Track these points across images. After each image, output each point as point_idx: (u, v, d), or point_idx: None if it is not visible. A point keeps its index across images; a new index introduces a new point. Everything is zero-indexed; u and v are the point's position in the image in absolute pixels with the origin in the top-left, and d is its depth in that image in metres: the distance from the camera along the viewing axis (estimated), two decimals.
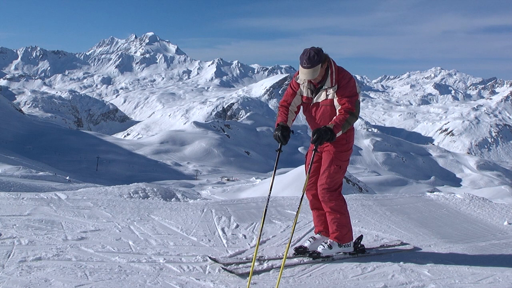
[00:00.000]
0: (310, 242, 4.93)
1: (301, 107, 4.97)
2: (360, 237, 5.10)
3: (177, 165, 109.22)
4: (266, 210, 4.54)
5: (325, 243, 4.85)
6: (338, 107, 4.66)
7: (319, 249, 4.81)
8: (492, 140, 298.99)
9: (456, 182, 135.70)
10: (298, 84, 4.85)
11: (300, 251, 4.87)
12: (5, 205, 5.83)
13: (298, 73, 4.79)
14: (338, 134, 4.51)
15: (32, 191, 15.08)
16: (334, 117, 4.61)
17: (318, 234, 5.05)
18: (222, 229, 5.65)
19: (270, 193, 4.69)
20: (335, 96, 4.67)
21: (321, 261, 4.68)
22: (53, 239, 4.74)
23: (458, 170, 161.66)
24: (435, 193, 9.98)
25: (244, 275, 4.12)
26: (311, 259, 4.75)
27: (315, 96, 4.77)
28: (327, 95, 4.70)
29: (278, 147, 4.66)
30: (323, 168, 4.84)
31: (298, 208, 4.54)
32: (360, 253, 5.03)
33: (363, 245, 5.10)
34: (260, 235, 4.38)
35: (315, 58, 4.51)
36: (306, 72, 4.55)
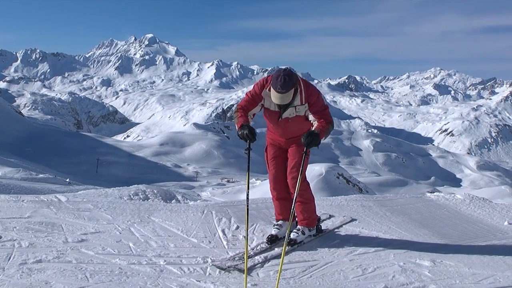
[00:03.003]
0: (278, 229, 5.30)
1: (263, 113, 5.19)
2: (319, 219, 5.63)
3: (177, 167, 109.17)
4: (248, 210, 4.80)
5: (298, 230, 5.25)
6: (314, 120, 4.91)
7: (293, 236, 5.14)
8: (492, 140, 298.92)
9: (456, 182, 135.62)
10: (261, 95, 4.96)
11: (272, 240, 5.16)
12: (5, 208, 5.83)
13: (263, 83, 4.95)
14: (322, 140, 4.77)
15: (32, 193, 15.08)
16: (316, 124, 4.87)
17: (281, 221, 5.41)
18: (223, 231, 5.65)
19: (248, 192, 4.99)
20: (309, 112, 4.90)
21: (322, 263, 4.69)
22: (53, 241, 4.74)
23: (458, 170, 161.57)
24: (435, 193, 9.98)
25: (245, 272, 4.11)
26: (289, 246, 5.00)
27: (283, 111, 4.93)
28: (296, 112, 4.90)
29: (247, 147, 4.87)
30: (293, 161, 5.10)
31: (292, 208, 4.75)
32: (319, 233, 5.56)
33: (320, 226, 5.68)
34: (247, 237, 4.40)
35: (289, 83, 4.61)
36: (280, 97, 4.66)
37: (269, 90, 4.83)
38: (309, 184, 5.27)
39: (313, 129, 4.86)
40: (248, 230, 5.73)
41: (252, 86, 5.09)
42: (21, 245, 4.53)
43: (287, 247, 4.98)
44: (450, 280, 4.35)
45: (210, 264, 4.42)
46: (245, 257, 4.25)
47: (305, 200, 5.21)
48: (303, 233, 5.24)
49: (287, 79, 4.58)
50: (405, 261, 4.78)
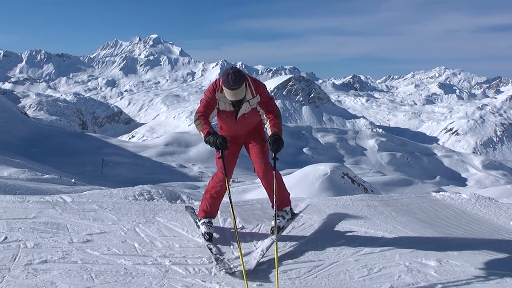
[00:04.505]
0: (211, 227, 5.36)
1: (218, 116, 5.28)
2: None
3: (182, 167, 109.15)
4: (233, 213, 4.88)
5: (278, 216, 5.40)
6: (262, 113, 5.14)
7: (280, 223, 5.41)
8: (497, 139, 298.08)
9: (461, 181, 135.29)
10: (215, 98, 5.05)
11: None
12: (11, 208, 5.83)
13: (214, 87, 5.04)
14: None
15: (38, 194, 15.10)
16: (270, 124, 5.07)
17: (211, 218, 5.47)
18: (228, 231, 5.65)
19: (230, 197, 4.98)
20: (257, 104, 5.10)
21: (328, 263, 4.68)
22: (58, 242, 4.75)
23: (463, 169, 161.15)
24: (440, 193, 9.94)
25: (243, 273, 4.11)
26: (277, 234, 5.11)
27: (238, 109, 5.07)
28: (250, 105, 5.07)
29: (220, 155, 4.95)
30: (258, 151, 5.26)
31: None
32: (295, 216, 5.81)
33: (292, 209, 5.82)
34: (237, 239, 4.39)
35: (240, 78, 4.75)
36: (235, 93, 4.79)
37: (221, 91, 4.96)
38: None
39: (269, 131, 5.05)
40: (253, 230, 5.76)
41: (204, 94, 5.18)
42: (26, 245, 4.53)
43: (275, 235, 5.06)
44: (456, 280, 4.34)
45: (216, 266, 4.42)
46: (240, 259, 4.25)
47: (279, 182, 5.31)
48: (283, 217, 5.48)
49: (237, 75, 4.73)
50: (411, 261, 4.77)
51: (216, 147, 4.82)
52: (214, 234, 5.32)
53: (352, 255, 4.95)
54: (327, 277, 4.31)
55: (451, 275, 4.45)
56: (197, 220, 5.55)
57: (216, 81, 5.07)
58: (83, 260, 4.28)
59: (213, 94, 5.03)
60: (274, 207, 4.97)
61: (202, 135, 4.94)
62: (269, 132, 5.09)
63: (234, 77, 4.71)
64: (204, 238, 5.14)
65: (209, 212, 5.44)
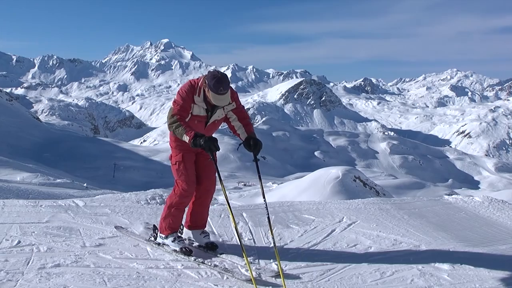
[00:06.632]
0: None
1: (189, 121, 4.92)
2: None
3: None
4: (233, 217, 4.59)
5: (206, 233, 5.13)
6: (234, 119, 4.95)
7: (212, 239, 5.16)
8: (510, 141, 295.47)
9: (474, 184, 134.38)
10: (191, 103, 4.72)
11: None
12: (24, 213, 5.87)
13: (192, 90, 4.72)
14: None
15: (50, 198, 15.19)
16: (246, 128, 4.90)
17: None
18: (240, 235, 5.64)
19: (228, 201, 4.70)
20: (231, 112, 4.92)
21: (340, 266, 4.66)
22: (71, 245, 4.77)
23: (476, 172, 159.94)
24: (453, 196, 9.87)
25: (251, 276, 4.11)
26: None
27: (211, 115, 4.82)
28: (225, 111, 4.87)
29: (210, 158, 4.60)
30: (211, 167, 4.91)
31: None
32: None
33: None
34: (241, 242, 4.37)
35: (228, 82, 4.58)
36: (223, 98, 4.58)
37: (199, 95, 4.69)
38: None
39: (245, 133, 4.88)
40: (265, 234, 5.74)
41: (178, 95, 4.77)
42: (39, 249, 4.56)
43: (220, 252, 4.94)
44: (470, 284, 4.31)
45: (227, 273, 4.42)
46: (246, 262, 4.24)
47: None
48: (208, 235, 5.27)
49: (226, 80, 4.56)
50: (423, 265, 4.74)
51: (208, 150, 4.45)
52: (226, 237, 5.33)
53: (365, 258, 4.93)
54: (340, 281, 4.29)
55: (464, 279, 4.42)
56: (162, 237, 5.04)
57: (193, 83, 4.78)
58: (95, 264, 4.31)
59: (190, 97, 4.70)
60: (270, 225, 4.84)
61: (188, 138, 4.46)
62: (244, 134, 4.88)
63: (223, 81, 4.50)
64: (187, 254, 4.76)
65: (176, 228, 5.03)
